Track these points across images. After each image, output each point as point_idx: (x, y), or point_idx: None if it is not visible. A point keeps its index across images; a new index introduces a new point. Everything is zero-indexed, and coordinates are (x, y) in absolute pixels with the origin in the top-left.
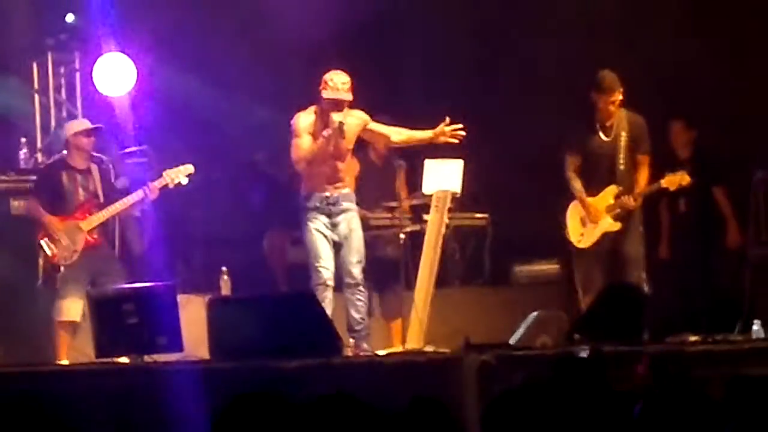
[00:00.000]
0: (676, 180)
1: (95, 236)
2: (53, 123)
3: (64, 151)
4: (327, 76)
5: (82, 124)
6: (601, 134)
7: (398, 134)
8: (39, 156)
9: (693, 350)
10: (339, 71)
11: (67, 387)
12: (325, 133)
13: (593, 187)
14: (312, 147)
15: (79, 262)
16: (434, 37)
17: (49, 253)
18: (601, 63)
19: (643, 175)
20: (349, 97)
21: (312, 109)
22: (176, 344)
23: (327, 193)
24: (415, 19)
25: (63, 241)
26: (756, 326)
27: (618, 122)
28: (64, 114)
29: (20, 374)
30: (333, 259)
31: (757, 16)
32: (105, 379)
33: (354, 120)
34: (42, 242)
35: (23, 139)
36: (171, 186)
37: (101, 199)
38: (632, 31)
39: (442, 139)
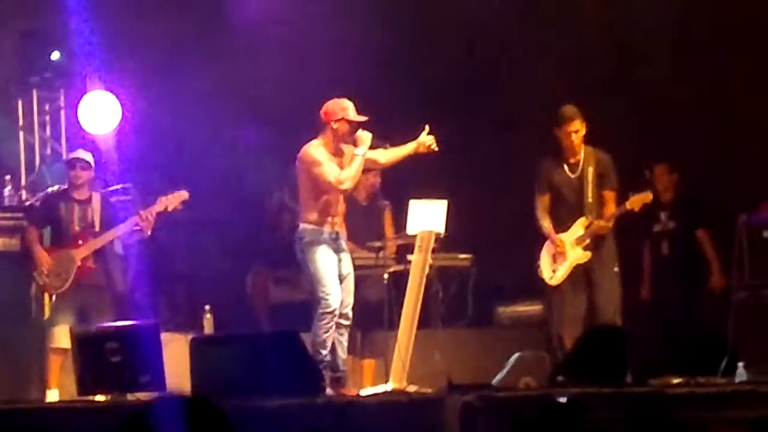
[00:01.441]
0: (640, 200)
1: (89, 264)
2: (38, 160)
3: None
4: (340, 103)
5: (74, 154)
6: (568, 171)
7: (384, 155)
8: (23, 194)
9: (676, 392)
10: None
11: (50, 424)
12: (358, 151)
13: (564, 223)
14: (354, 166)
15: (71, 291)
16: (416, 76)
17: (41, 282)
18: (585, 105)
19: (610, 210)
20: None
21: (316, 142)
22: (159, 383)
23: (331, 228)
24: (395, 62)
25: (54, 271)
26: (739, 368)
27: (584, 159)
28: (49, 151)
29: (3, 411)
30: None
31: (740, 56)
32: (87, 417)
33: (348, 150)
34: (34, 274)
35: (7, 177)
36: (167, 211)
37: (97, 229)
38: (616, 75)
39: (423, 149)
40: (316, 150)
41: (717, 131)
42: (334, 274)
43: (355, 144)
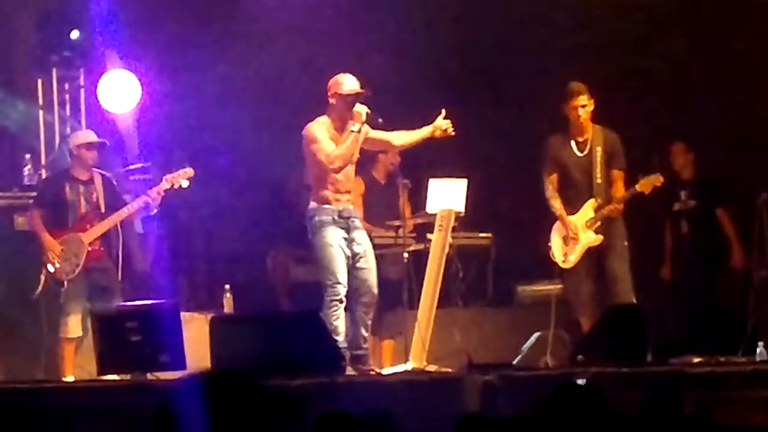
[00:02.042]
0: (650, 182)
1: (97, 247)
2: (57, 139)
3: (68, 162)
4: (337, 78)
5: (87, 136)
6: (576, 149)
7: (398, 137)
8: (43, 172)
9: (696, 372)
10: (347, 74)
11: (70, 403)
12: (353, 127)
13: (572, 204)
14: (346, 144)
15: (81, 276)
16: (435, 54)
17: (51, 269)
18: (603, 84)
19: (618, 190)
20: (363, 90)
21: (321, 119)
22: (179, 362)
23: (341, 207)
24: (411, 44)
25: (64, 255)
26: (759, 348)
27: (592, 137)
28: (68, 130)
29: (24, 390)
30: (348, 276)
31: (759, 36)
32: (107, 396)
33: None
34: (43, 259)
35: (27, 156)
36: (173, 188)
37: (103, 210)
38: (633, 53)
39: (439, 133)
40: (316, 127)
41: (736, 110)
42: (341, 259)
43: (353, 120)
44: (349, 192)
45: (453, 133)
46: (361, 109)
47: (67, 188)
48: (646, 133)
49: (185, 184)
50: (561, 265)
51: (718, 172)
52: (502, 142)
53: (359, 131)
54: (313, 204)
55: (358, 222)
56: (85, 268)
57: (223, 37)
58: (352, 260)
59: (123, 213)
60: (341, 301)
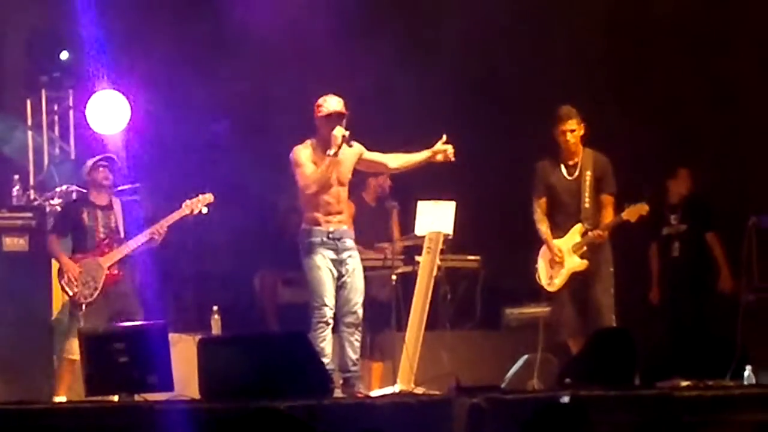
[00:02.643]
0: (635, 211)
1: (115, 271)
2: (46, 160)
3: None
4: (320, 100)
5: (94, 159)
6: (565, 173)
7: (395, 160)
8: (32, 193)
9: (684, 395)
10: (331, 95)
11: (58, 424)
12: (330, 151)
13: (561, 228)
14: (320, 168)
15: (100, 300)
16: (426, 79)
17: (70, 293)
18: (594, 107)
19: (607, 215)
20: (344, 109)
21: (308, 142)
22: (167, 383)
23: (331, 228)
24: (405, 62)
25: (83, 279)
26: (747, 372)
27: (582, 161)
28: (57, 151)
29: (11, 411)
30: (335, 297)
31: (748, 58)
32: (95, 418)
33: (350, 149)
34: (62, 283)
35: (16, 176)
36: (191, 216)
37: (122, 235)
38: (622, 76)
39: (439, 158)
40: (301, 151)
41: (728, 134)
42: (329, 282)
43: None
44: (340, 213)
45: (453, 159)
46: (337, 133)
47: (85, 214)
48: (636, 157)
49: (204, 210)
50: (546, 288)
51: (707, 196)
52: (491, 164)
53: (335, 155)
54: (304, 225)
55: (349, 243)
56: (104, 291)
57: (213, 58)
58: (339, 281)
59: (143, 238)
60: (327, 323)
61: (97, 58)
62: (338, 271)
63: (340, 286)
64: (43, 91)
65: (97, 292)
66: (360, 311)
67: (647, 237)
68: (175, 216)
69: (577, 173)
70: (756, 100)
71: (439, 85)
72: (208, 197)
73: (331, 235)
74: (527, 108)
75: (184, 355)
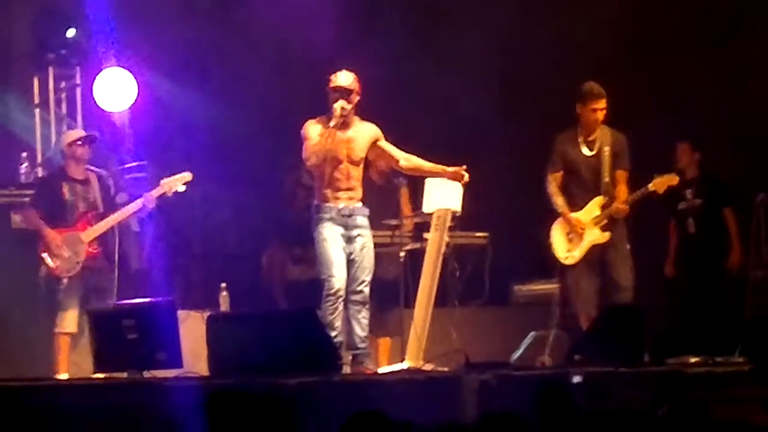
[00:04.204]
0: (663, 182)
1: (95, 247)
2: (54, 137)
3: (62, 162)
4: (332, 75)
5: (77, 133)
6: (585, 149)
7: (407, 160)
8: (39, 170)
9: (693, 372)
10: (344, 70)
11: (67, 402)
12: (330, 123)
13: (578, 202)
14: (320, 140)
15: (79, 274)
16: (442, 60)
17: (52, 265)
18: (602, 83)
19: (622, 190)
20: (352, 85)
21: (321, 118)
22: (175, 360)
23: (342, 204)
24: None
25: (65, 253)
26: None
27: (601, 137)
28: (65, 128)
29: (19, 389)
30: (345, 271)
31: (763, 38)
32: (104, 395)
33: (367, 130)
34: (43, 255)
35: (24, 154)
36: (169, 194)
37: (101, 210)
38: (635, 53)
39: (451, 177)
40: (310, 125)
41: (737, 109)
42: (338, 255)
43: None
44: (351, 189)
45: (467, 181)
46: (336, 106)
47: (65, 188)
48: (648, 133)
49: (182, 189)
50: (563, 261)
51: (722, 172)
52: (498, 140)
53: (335, 127)
54: (315, 201)
55: (361, 220)
56: (83, 266)
57: (221, 36)
58: (348, 258)
59: (121, 215)
60: (336, 295)
61: (104, 35)
62: (348, 247)
63: (348, 264)
64: (51, 69)
65: (79, 266)
66: (367, 290)
67: (665, 211)
68: (153, 194)
69: (596, 148)
70: (765, 80)
71: (450, 66)
72: (186, 176)
73: (341, 212)
74: (534, 86)
75: (192, 332)
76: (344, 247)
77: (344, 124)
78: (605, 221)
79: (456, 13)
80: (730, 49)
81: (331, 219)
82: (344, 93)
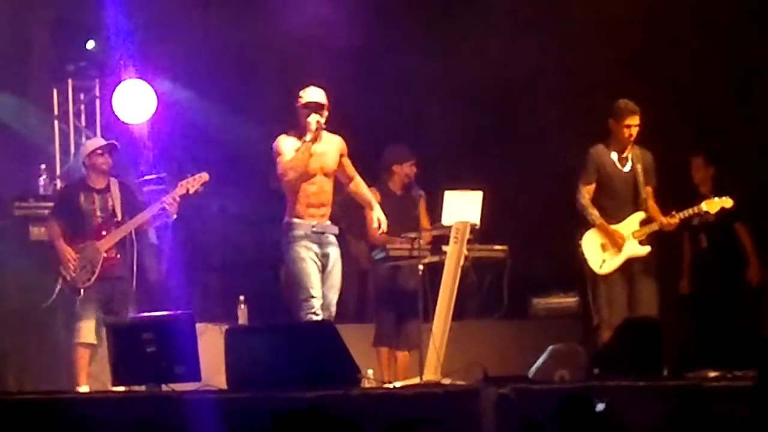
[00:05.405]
0: (717, 204)
1: (113, 254)
2: (73, 149)
3: (83, 172)
4: (301, 91)
5: (96, 142)
6: (618, 164)
7: (356, 185)
8: (58, 182)
9: (712, 386)
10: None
11: (85, 415)
12: (306, 137)
13: (609, 215)
14: (297, 155)
15: (97, 284)
16: (455, 65)
17: (68, 277)
18: (621, 95)
19: (652, 206)
20: (323, 100)
21: (292, 133)
22: (194, 373)
23: (315, 222)
24: (439, 47)
25: (81, 263)
26: None
27: (633, 154)
28: (84, 140)
29: (38, 402)
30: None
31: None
32: (123, 408)
33: (336, 142)
34: (59, 268)
35: (42, 166)
36: (190, 193)
37: (120, 218)
38: (652, 66)
39: (371, 222)
40: (283, 140)
41: (750, 120)
42: (316, 275)
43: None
44: (324, 205)
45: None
46: (311, 119)
47: (82, 198)
48: (662, 146)
49: (200, 189)
50: (597, 270)
51: (735, 186)
52: (518, 153)
53: (312, 140)
54: (286, 218)
55: (332, 238)
56: (100, 276)
57: (242, 46)
58: (321, 274)
59: (139, 219)
60: (316, 314)
61: (123, 47)
62: (322, 263)
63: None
64: (70, 81)
65: (95, 276)
66: (334, 308)
67: (680, 227)
68: (173, 195)
69: (629, 164)
70: None
71: (465, 74)
72: (204, 176)
73: (314, 229)
74: (553, 97)
75: (211, 344)
76: (319, 264)
77: (316, 138)
78: (645, 236)
79: (473, 9)
80: (745, 56)
81: (306, 236)
82: (317, 108)
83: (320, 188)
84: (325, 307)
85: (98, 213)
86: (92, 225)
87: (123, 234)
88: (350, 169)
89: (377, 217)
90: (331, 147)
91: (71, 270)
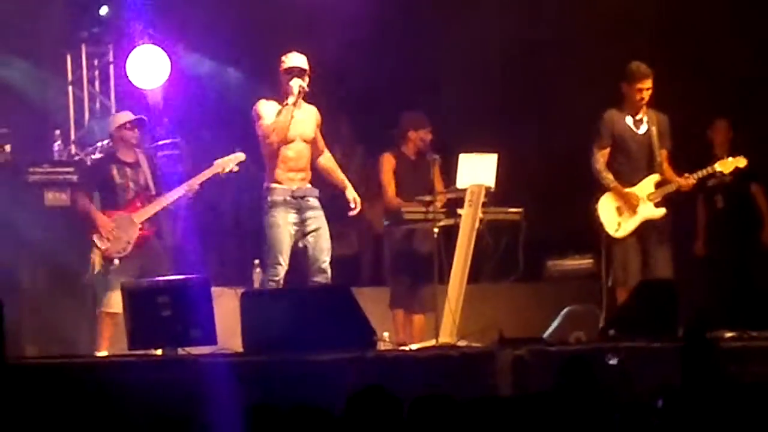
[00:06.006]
0: (731, 163)
1: (148, 228)
2: (87, 115)
3: (106, 142)
4: (284, 56)
5: (124, 116)
6: (633, 127)
7: (327, 160)
8: (72, 148)
9: (728, 346)
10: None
11: (101, 378)
12: (288, 100)
13: (624, 178)
14: (279, 118)
15: (131, 255)
16: (470, 33)
17: (103, 247)
18: (636, 59)
19: (667, 169)
20: (305, 65)
21: (272, 97)
22: (210, 337)
23: (295, 186)
24: (452, 16)
25: (116, 234)
26: None
27: (648, 117)
28: (98, 106)
29: (55, 366)
30: (298, 257)
31: None
32: (139, 371)
33: (313, 111)
34: (94, 238)
35: (57, 132)
36: (222, 174)
37: (152, 191)
38: (671, 30)
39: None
40: (262, 105)
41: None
42: (288, 243)
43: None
44: (303, 170)
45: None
46: (294, 83)
47: (115, 171)
48: (681, 112)
49: (236, 169)
50: (613, 234)
51: (752, 148)
52: (533, 116)
53: (294, 104)
54: (266, 183)
55: (313, 201)
56: (136, 247)
57: (254, 15)
58: (303, 239)
59: (169, 197)
60: (279, 283)
61: (136, 12)
62: (301, 231)
63: (305, 246)
64: (83, 47)
65: (130, 246)
66: (329, 269)
67: (695, 187)
68: (207, 174)
69: (645, 127)
70: None
71: (481, 37)
72: (240, 156)
73: (294, 194)
74: (567, 61)
75: (226, 308)
76: (296, 232)
77: (297, 103)
78: (660, 198)
79: None
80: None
81: (284, 202)
82: (299, 73)
83: (299, 154)
84: (321, 267)
85: (131, 186)
86: (125, 198)
87: (157, 208)
88: (321, 143)
89: (353, 197)
90: (309, 114)
91: (106, 239)
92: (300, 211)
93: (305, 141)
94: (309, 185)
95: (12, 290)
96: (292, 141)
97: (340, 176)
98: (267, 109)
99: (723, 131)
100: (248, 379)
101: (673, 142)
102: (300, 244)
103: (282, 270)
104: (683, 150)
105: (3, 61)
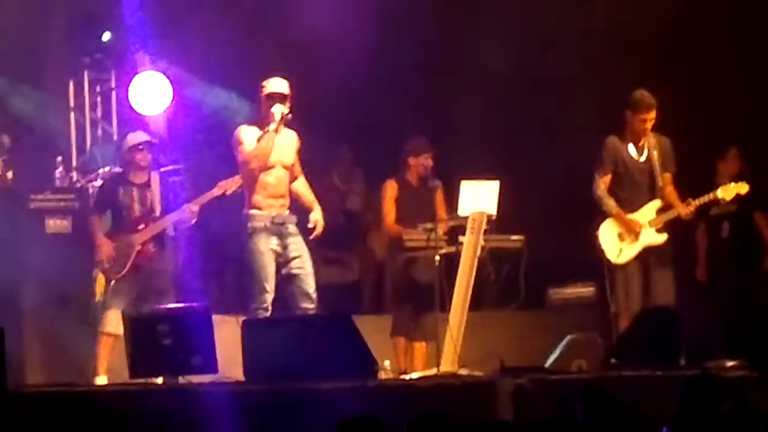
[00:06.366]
0: (733, 190)
1: (150, 248)
2: (89, 141)
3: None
4: (264, 81)
5: (136, 137)
6: (635, 154)
7: (299, 184)
8: (74, 175)
9: (730, 376)
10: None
11: (102, 407)
12: (269, 127)
13: (625, 204)
14: (260, 143)
15: (130, 276)
16: (473, 57)
17: (101, 270)
18: (638, 86)
19: (671, 192)
20: (287, 90)
21: (252, 123)
22: (211, 365)
23: (275, 212)
24: (454, 43)
25: (114, 256)
26: None
27: (648, 142)
28: (100, 132)
29: (56, 394)
30: (286, 283)
31: None
32: (140, 400)
33: (293, 137)
34: (97, 259)
35: (59, 158)
36: (226, 194)
37: (157, 213)
38: (672, 55)
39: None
40: (243, 130)
41: None
42: (271, 267)
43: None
44: (283, 197)
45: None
46: (275, 110)
47: (121, 191)
48: (684, 139)
49: (238, 191)
50: (614, 260)
51: (756, 176)
52: (534, 143)
53: (275, 131)
54: (245, 210)
55: (292, 228)
56: (133, 268)
57: (257, 39)
58: (287, 267)
59: (170, 219)
60: (267, 310)
61: (139, 39)
62: (284, 257)
63: (289, 273)
64: (86, 73)
65: (126, 269)
66: (314, 294)
67: (696, 215)
68: (208, 196)
69: (646, 153)
70: None
71: (483, 66)
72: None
73: (273, 220)
74: (569, 88)
75: (227, 337)
76: (278, 258)
77: (277, 130)
78: (662, 224)
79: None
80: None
81: (265, 229)
82: (281, 99)
83: (279, 180)
84: (305, 298)
85: (136, 207)
86: (129, 219)
87: (159, 229)
88: (299, 168)
89: (315, 219)
90: (289, 140)
91: (105, 263)
92: (281, 237)
93: (285, 167)
94: (288, 211)
95: (15, 316)
96: (272, 167)
97: (310, 198)
98: (248, 135)
99: (733, 160)
100: (249, 408)
101: (678, 165)
102: (283, 272)
103: (269, 297)
104: (686, 176)
105: (5, 87)
